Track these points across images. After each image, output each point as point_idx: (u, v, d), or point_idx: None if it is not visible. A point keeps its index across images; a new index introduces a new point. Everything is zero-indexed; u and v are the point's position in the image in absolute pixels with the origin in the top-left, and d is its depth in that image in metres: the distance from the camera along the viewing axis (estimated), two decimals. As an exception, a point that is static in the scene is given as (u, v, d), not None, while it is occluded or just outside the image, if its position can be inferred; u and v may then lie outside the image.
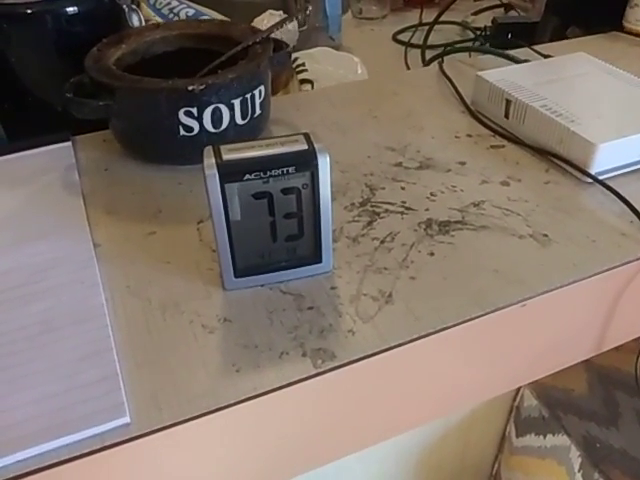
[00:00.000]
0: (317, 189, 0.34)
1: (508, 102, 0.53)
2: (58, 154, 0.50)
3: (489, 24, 0.88)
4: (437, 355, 0.36)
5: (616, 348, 1.10)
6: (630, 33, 0.71)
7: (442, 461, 1.14)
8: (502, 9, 1.04)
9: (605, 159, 0.46)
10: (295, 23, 0.90)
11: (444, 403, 0.40)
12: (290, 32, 0.90)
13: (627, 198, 0.44)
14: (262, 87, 0.48)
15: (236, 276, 0.36)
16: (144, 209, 0.44)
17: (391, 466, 1.08)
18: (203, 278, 0.38)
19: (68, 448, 0.28)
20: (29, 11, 0.48)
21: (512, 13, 1.03)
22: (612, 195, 0.44)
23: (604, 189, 0.45)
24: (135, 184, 0.47)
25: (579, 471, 0.95)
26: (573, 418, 0.99)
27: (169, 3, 0.68)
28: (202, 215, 0.43)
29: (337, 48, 0.80)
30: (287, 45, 0.53)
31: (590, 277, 0.38)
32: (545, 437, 1.04)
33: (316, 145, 0.34)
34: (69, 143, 0.51)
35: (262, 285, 0.37)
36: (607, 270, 0.38)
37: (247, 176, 0.33)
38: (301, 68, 0.75)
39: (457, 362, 0.38)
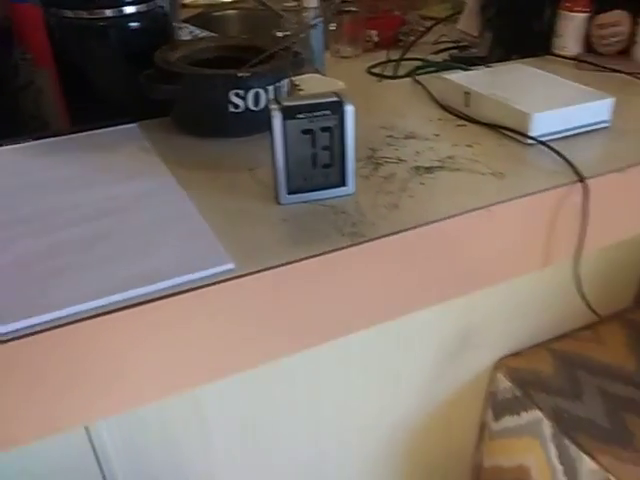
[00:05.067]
0: (344, 129, 0.50)
1: (467, 94, 0.70)
2: (127, 132, 0.64)
3: (447, 59, 1.09)
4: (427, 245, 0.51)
5: (575, 338, 1.24)
6: (558, 56, 0.92)
7: (430, 447, 1.20)
8: (457, 50, 1.25)
9: (538, 126, 0.63)
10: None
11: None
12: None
13: (557, 149, 0.61)
14: (286, 80, 0.65)
15: (288, 193, 0.51)
16: (206, 164, 0.59)
17: (378, 451, 1.13)
18: (259, 199, 0.53)
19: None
20: (102, 24, 0.64)
21: (465, 52, 1.25)
22: (546, 149, 0.61)
23: (541, 146, 0.62)
24: (194, 151, 0.62)
25: (551, 440, 1.05)
26: (542, 394, 1.08)
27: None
28: (251, 165, 0.58)
29: (323, 77, 0.98)
30: (300, 54, 0.70)
31: (532, 194, 0.54)
32: (520, 415, 1.12)
33: (343, 98, 0.49)
34: (135, 125, 0.65)
35: (305, 202, 0.52)
36: (540, 191, 0.55)
37: (299, 115, 0.48)
38: (298, 88, 0.93)
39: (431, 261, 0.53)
